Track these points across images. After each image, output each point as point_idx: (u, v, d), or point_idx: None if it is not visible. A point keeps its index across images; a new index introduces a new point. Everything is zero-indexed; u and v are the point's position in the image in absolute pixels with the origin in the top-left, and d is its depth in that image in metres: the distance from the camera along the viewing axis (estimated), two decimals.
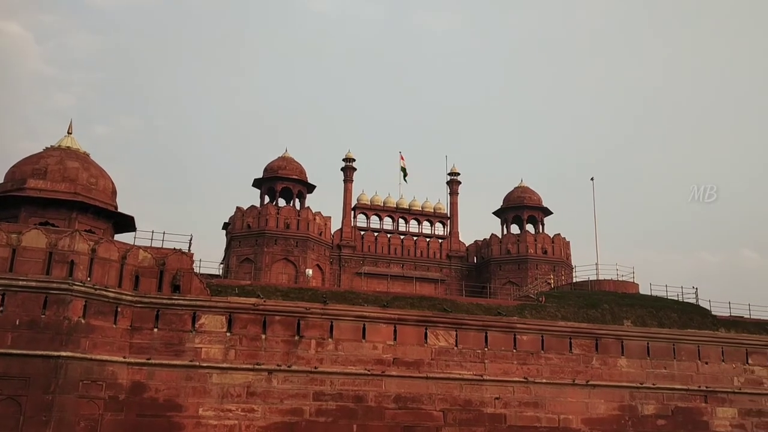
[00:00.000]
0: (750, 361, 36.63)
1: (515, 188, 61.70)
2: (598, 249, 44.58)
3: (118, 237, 33.41)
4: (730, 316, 39.25)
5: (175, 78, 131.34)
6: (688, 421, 34.51)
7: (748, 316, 39.69)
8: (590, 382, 33.57)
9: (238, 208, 53.64)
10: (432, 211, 62.49)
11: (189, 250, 31.35)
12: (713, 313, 38.78)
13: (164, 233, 32.04)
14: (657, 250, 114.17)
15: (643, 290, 40.67)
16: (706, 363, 35.81)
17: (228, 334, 29.89)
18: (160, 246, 31.23)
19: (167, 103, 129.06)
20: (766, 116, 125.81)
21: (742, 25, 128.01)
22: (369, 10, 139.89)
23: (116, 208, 34.09)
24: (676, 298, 39.74)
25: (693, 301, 39.74)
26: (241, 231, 52.53)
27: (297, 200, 55.62)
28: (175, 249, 30.88)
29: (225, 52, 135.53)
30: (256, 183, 56.02)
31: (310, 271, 48.89)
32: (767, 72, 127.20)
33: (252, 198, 72.86)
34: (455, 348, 32.50)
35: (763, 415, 35.70)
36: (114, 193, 34.53)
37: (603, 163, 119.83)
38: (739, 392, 35.78)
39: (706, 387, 35.32)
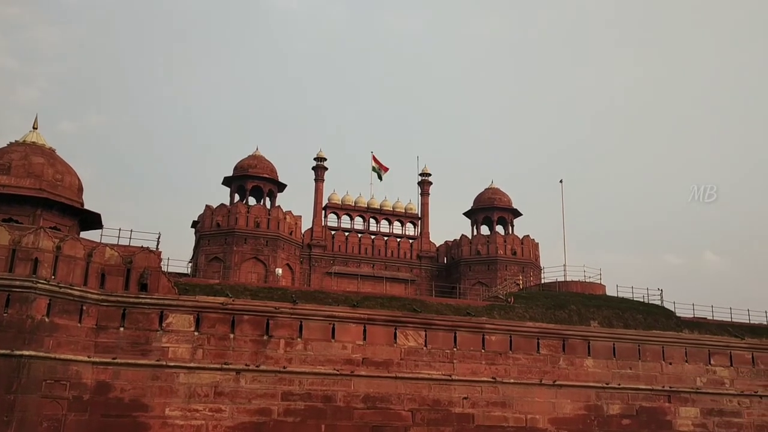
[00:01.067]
0: (712, 362, 37.35)
1: (486, 189, 62.13)
2: (566, 250, 45.03)
3: (84, 235, 32.86)
4: (694, 317, 39.99)
5: (143, 74, 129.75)
6: (652, 420, 35.07)
7: (711, 318, 40.47)
8: (557, 382, 33.94)
9: (207, 206, 53.16)
10: (403, 211, 62.64)
11: (157, 248, 30.99)
12: (677, 314, 39.45)
13: (131, 231, 31.72)
14: (623, 252, 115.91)
15: (610, 291, 41.25)
16: (670, 363, 36.43)
17: (196, 333, 29.60)
18: (128, 244, 30.83)
19: (134, 99, 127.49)
20: (734, 121, 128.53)
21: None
22: (335, 9, 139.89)
23: (82, 205, 33.55)
24: (641, 300, 40.38)
25: (658, 302, 40.40)
26: (211, 229, 52.08)
27: (267, 199, 55.30)
28: (142, 247, 30.50)
29: (194, 47, 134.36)
30: (226, 181, 55.57)
31: (279, 271, 48.67)
32: (733, 69, 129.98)
33: (222, 196, 72.18)
34: (424, 348, 32.61)
35: (724, 414, 36.45)
36: (80, 189, 33.97)
37: (572, 165, 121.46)
38: (702, 392, 36.45)
39: (670, 387, 35.93)
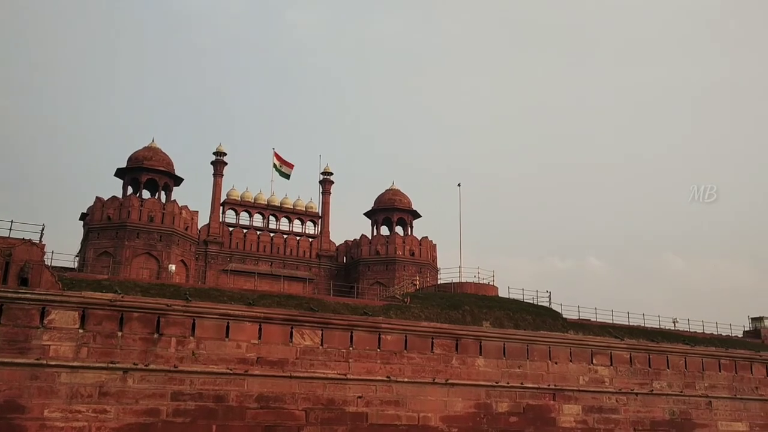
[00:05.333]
0: (594, 361, 39.30)
1: (386, 191, 62.77)
2: (462, 253, 46.18)
3: None
4: (579, 319, 41.97)
5: (30, 58, 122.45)
6: (538, 417, 36.50)
7: (594, 319, 42.62)
8: (449, 381, 34.69)
9: (98, 198, 50.88)
10: (303, 209, 62.30)
11: (40, 240, 29.32)
12: (564, 316, 41.31)
13: (12, 222, 29.74)
14: (515, 256, 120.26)
15: (502, 293, 42.63)
16: (556, 363, 38.04)
17: (81, 330, 28.18)
18: (7, 235, 28.94)
19: (19, 84, 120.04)
20: (619, 131, 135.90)
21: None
22: (237, 4, 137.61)
23: None
24: (531, 302, 41.97)
25: (546, 304, 42.14)
26: (101, 223, 49.88)
27: (163, 193, 53.57)
28: (23, 239, 28.73)
29: (91, 34, 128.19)
30: (119, 173, 53.37)
31: (173, 267, 47.21)
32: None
33: (115, 189, 69.18)
34: (321, 347, 32.51)
35: (603, 411, 38.43)
36: None
37: (471, 169, 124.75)
38: (584, 390, 38.25)
39: (555, 385, 37.51)
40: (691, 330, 45.69)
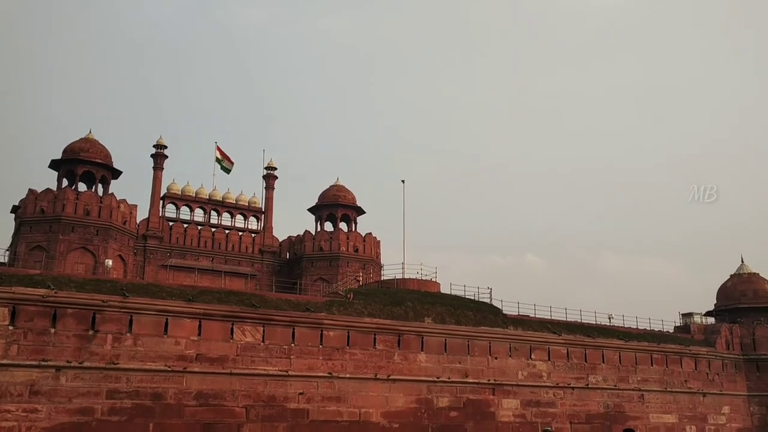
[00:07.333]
0: (533, 356, 40.12)
1: (331, 186, 62.54)
2: (406, 249, 46.34)
3: None
4: (518, 315, 42.70)
5: None
6: (477, 412, 37.04)
7: (533, 315, 43.44)
8: (391, 377, 34.87)
9: (31, 190, 49.12)
10: (246, 204, 61.53)
11: None
12: (504, 312, 41.94)
13: None
14: (457, 252, 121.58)
15: (444, 289, 42.97)
16: (496, 358, 38.67)
17: (10, 327, 27.19)
18: None
19: None
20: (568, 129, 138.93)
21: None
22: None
23: None
24: (473, 298, 42.45)
25: (488, 300, 42.69)
26: (33, 216, 48.18)
27: (100, 186, 52.06)
28: None
29: (26, 21, 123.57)
30: (54, 165, 51.58)
31: (109, 262, 45.90)
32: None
33: (49, 181, 66.91)
34: (262, 344, 32.21)
35: (541, 405, 39.29)
36: None
37: (415, 166, 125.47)
38: (522, 385, 39.04)
39: (495, 380, 38.14)
40: (625, 326, 47.07)
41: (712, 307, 54.92)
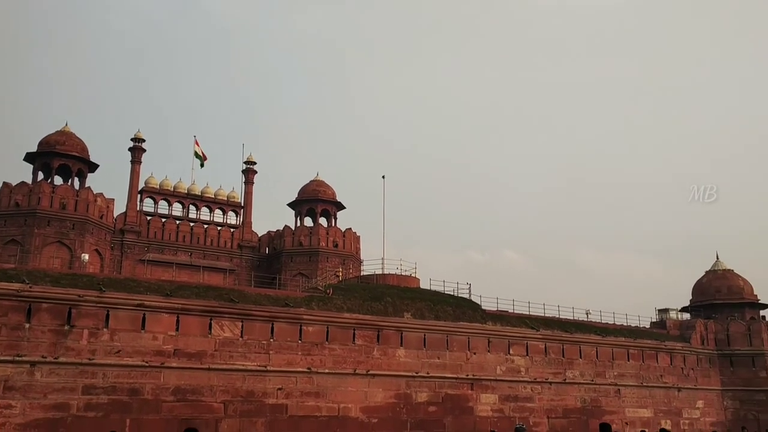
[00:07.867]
0: (511, 352, 40.34)
1: (311, 181, 62.36)
2: (386, 244, 46.33)
3: None
4: (497, 310, 42.87)
5: None
6: (456, 406, 37.19)
7: (512, 311, 43.62)
8: (370, 372, 34.87)
9: (5, 183, 48.47)
10: (225, 199, 61.17)
11: None
12: (483, 307, 42.07)
13: None
14: (436, 248, 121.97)
15: (424, 285, 43.03)
16: (475, 353, 38.83)
17: None
18: None
19: None
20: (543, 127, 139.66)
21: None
22: None
23: None
24: (452, 293, 42.54)
25: (466, 295, 42.81)
26: (8, 209, 47.56)
27: (76, 179, 51.46)
28: None
29: (4, 12, 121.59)
30: (29, 158, 50.88)
31: (86, 256, 45.36)
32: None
33: (24, 174, 65.99)
34: (241, 339, 32.04)
35: (519, 399, 39.55)
36: None
37: (394, 163, 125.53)
38: (501, 380, 39.24)
39: (473, 375, 38.30)
40: (603, 321, 47.47)
41: (687, 303, 55.63)
